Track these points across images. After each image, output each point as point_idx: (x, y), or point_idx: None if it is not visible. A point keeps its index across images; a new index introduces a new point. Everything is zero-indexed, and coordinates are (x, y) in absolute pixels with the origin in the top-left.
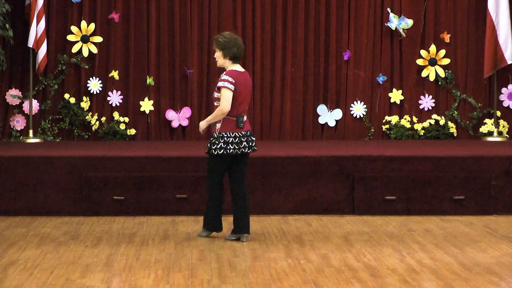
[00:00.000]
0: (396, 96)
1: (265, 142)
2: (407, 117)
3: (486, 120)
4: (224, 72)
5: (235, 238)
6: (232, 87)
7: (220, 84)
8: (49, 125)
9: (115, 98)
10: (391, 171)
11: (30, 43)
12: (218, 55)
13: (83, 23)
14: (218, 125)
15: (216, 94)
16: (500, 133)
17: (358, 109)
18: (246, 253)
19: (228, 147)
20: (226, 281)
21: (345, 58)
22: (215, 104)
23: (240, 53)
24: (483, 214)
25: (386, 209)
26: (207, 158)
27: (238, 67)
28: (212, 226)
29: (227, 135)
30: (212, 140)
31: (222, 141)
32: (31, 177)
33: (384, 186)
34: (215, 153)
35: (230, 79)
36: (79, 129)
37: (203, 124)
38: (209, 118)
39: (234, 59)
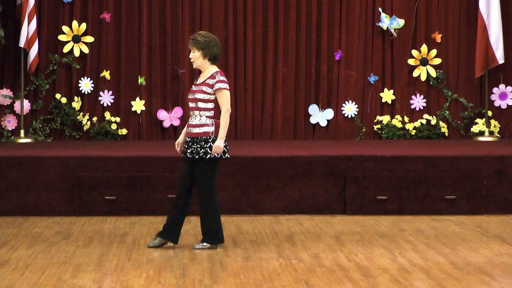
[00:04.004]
0: (387, 96)
1: (256, 142)
2: (398, 117)
3: (478, 120)
4: (216, 72)
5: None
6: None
7: (221, 85)
8: (40, 125)
9: (106, 98)
10: (383, 171)
11: (22, 43)
12: (196, 55)
13: (75, 23)
14: (211, 129)
15: (202, 95)
16: (491, 133)
17: (350, 109)
18: (237, 253)
19: (225, 150)
20: (218, 281)
21: (337, 58)
22: (192, 105)
23: (220, 53)
24: (474, 213)
25: (377, 209)
26: (200, 166)
27: (217, 68)
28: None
29: None
30: (206, 144)
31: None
32: (22, 177)
33: (375, 186)
34: (213, 156)
35: (226, 79)
36: (70, 129)
37: (221, 144)
38: (222, 133)
39: (214, 60)
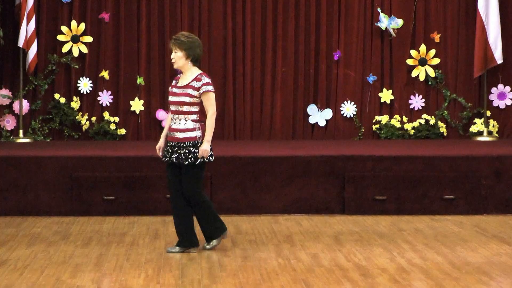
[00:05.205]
0: (386, 96)
1: (255, 141)
2: (397, 116)
3: (476, 120)
4: (201, 74)
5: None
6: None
7: (208, 88)
8: (39, 125)
9: (105, 98)
10: (381, 170)
11: (20, 43)
12: (179, 55)
13: (73, 23)
14: (198, 133)
15: (187, 99)
16: (490, 133)
17: (348, 108)
18: (236, 253)
19: (211, 153)
20: (217, 281)
21: (336, 58)
22: (176, 108)
23: (201, 55)
24: (473, 213)
25: (376, 208)
26: (189, 170)
27: (199, 70)
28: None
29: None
30: (195, 149)
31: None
32: (21, 177)
33: (374, 186)
34: (205, 160)
35: (210, 81)
36: (69, 129)
37: (208, 147)
38: (209, 136)
39: (196, 61)
